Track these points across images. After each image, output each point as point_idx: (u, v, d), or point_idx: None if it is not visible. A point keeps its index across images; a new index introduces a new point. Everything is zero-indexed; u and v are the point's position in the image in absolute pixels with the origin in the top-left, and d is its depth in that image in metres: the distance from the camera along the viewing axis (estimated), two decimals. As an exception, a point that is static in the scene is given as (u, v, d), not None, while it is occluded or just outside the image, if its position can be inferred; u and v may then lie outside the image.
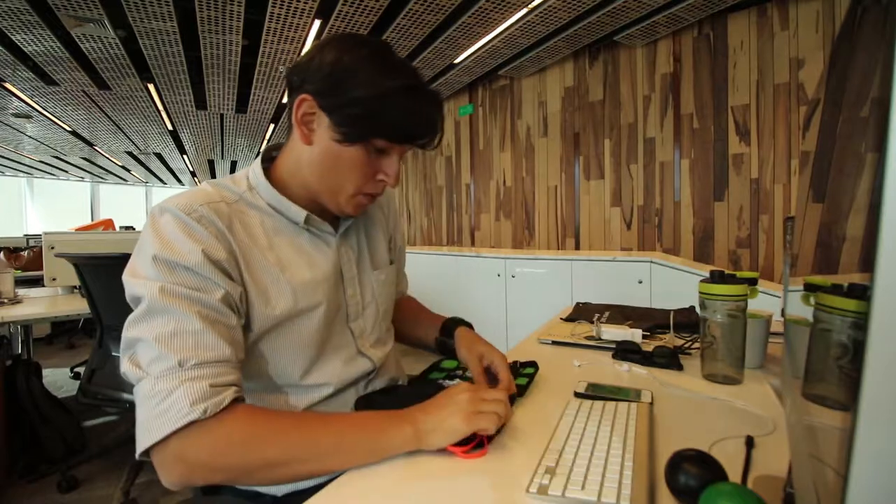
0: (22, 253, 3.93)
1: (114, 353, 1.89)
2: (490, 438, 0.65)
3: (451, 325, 0.94)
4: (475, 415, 0.61)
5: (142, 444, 0.55)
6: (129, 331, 0.60)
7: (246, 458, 0.57)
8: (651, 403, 0.79)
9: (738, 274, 0.94)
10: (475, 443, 0.63)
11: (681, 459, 0.52)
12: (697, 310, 0.94)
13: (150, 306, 0.59)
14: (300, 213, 0.75)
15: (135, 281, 0.62)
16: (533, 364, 0.95)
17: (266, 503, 0.74)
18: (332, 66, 0.68)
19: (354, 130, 0.68)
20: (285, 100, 4.84)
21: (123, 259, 0.65)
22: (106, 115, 5.16)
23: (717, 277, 0.88)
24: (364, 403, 0.78)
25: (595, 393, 0.83)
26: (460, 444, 0.62)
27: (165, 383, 0.56)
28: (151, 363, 0.57)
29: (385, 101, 0.67)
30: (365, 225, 0.89)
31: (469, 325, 0.95)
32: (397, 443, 0.60)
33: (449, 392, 0.66)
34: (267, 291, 0.70)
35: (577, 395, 0.84)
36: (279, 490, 0.74)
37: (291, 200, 0.75)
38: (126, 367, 0.59)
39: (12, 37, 3.09)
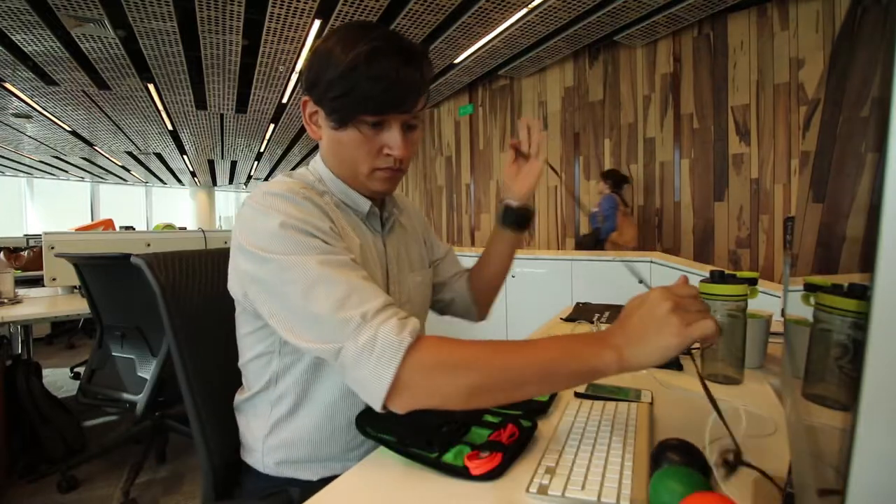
0: (22, 253, 3.93)
1: (113, 353, 1.89)
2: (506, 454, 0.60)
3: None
4: (688, 326, 0.53)
5: (379, 393, 0.56)
6: (302, 306, 0.60)
7: (455, 382, 0.58)
8: (651, 403, 0.79)
9: (738, 274, 0.93)
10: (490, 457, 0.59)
11: (664, 448, 0.54)
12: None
13: (310, 280, 0.60)
14: (365, 203, 0.77)
15: (272, 256, 0.62)
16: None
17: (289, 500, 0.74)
18: (311, 59, 0.70)
19: (339, 114, 0.69)
20: (285, 99, 4.86)
21: (123, 259, 0.65)
22: (106, 115, 5.16)
23: (717, 277, 0.88)
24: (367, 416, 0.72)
25: (595, 393, 0.83)
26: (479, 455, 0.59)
27: (364, 336, 0.57)
28: (340, 331, 0.58)
29: (350, 77, 0.65)
30: (403, 230, 0.89)
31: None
32: (600, 369, 0.57)
33: (646, 306, 0.57)
34: None
35: (577, 395, 0.84)
36: (314, 475, 0.74)
37: None
38: (316, 348, 0.60)
39: (12, 37, 3.09)
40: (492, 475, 0.57)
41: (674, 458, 0.52)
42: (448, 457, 0.61)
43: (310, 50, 0.71)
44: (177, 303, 0.83)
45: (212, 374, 0.84)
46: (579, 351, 0.58)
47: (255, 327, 0.73)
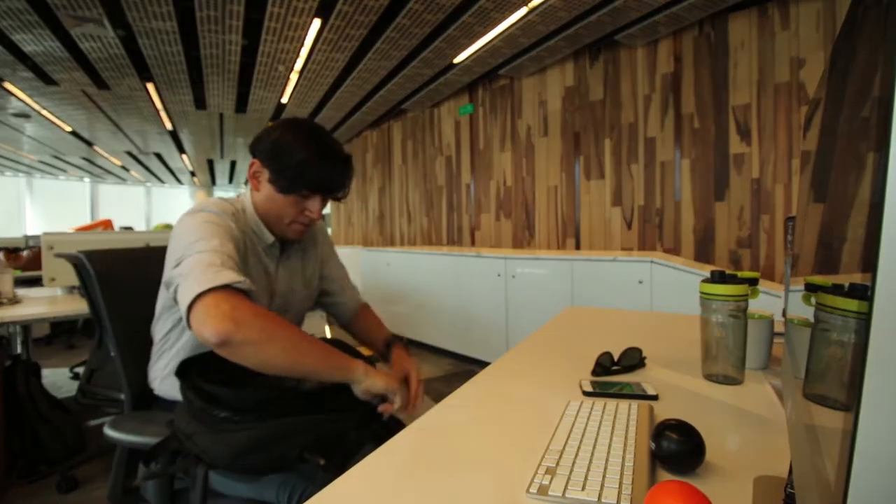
0: (21, 253, 3.93)
1: (112, 354, 1.88)
2: None
3: (391, 341, 1.20)
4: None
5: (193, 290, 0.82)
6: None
7: (264, 329, 0.82)
8: (655, 396, 0.81)
9: (739, 274, 0.93)
10: None
11: (663, 428, 0.59)
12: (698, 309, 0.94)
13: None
14: (269, 238, 1.07)
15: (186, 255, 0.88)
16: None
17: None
18: (275, 141, 1.00)
19: (287, 184, 1.00)
20: (285, 99, 4.86)
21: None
22: (106, 115, 5.16)
23: (717, 277, 0.88)
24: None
25: (603, 390, 0.84)
26: None
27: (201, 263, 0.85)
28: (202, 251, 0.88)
29: (305, 166, 0.98)
30: (303, 256, 1.19)
31: (402, 340, 1.21)
32: (344, 372, 0.88)
33: (392, 378, 0.93)
34: None
35: (585, 393, 0.84)
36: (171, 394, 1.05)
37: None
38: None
39: (12, 36, 3.09)
40: None
41: (672, 436, 0.57)
42: None
43: (269, 133, 1.03)
44: (108, 283, 1.20)
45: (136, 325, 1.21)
46: (340, 356, 0.89)
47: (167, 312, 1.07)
